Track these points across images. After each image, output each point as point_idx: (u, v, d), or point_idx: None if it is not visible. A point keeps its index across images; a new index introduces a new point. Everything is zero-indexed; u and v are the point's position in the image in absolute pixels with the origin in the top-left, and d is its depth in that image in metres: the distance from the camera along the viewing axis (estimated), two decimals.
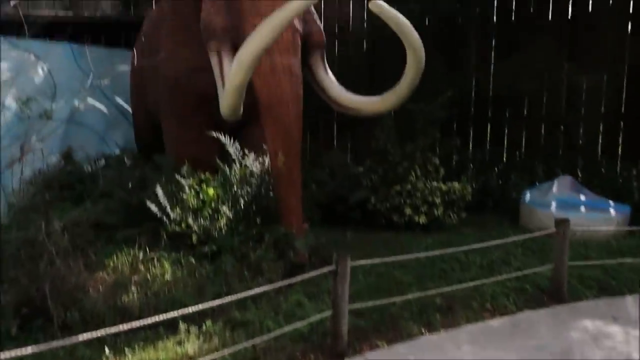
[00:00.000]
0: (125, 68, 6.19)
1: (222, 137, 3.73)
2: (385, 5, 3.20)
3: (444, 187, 4.62)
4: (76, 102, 5.91)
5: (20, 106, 4.88)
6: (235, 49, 3.62)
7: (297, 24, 3.71)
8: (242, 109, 3.28)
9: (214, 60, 3.61)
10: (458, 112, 5.68)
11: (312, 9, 4.00)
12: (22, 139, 5.15)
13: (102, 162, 5.53)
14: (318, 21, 4.02)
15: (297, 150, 3.69)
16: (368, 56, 6.18)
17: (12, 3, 5.92)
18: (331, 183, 4.93)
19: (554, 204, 4.58)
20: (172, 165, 3.99)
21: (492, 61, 5.82)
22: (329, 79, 3.94)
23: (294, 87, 3.62)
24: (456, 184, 4.70)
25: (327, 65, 4.03)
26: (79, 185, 5.01)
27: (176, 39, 4.33)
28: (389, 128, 4.70)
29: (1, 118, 5.05)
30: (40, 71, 5.69)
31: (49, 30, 6.37)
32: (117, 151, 6.00)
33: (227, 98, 3.08)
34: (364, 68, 6.19)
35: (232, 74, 2.98)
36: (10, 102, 5.14)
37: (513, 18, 5.90)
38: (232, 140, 3.79)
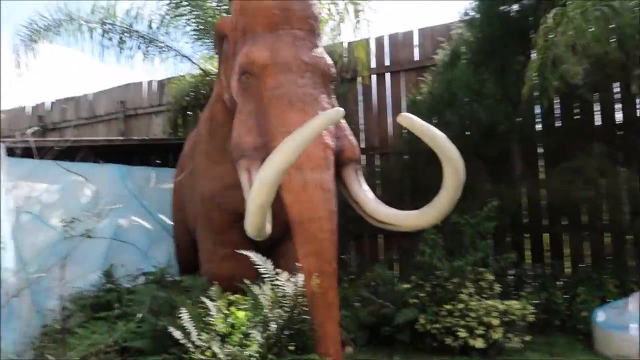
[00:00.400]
0: (169, 186, 6.36)
1: (253, 255, 3.55)
2: (415, 117, 3.08)
3: (500, 306, 4.14)
4: (120, 220, 6.05)
5: (63, 226, 4.98)
6: None
7: (329, 140, 3.65)
8: (268, 227, 3.11)
9: (243, 179, 3.55)
10: (510, 222, 5.30)
11: (344, 124, 3.97)
12: (64, 258, 5.23)
13: (141, 280, 5.46)
14: (351, 136, 3.96)
15: (332, 269, 3.43)
16: (409, 169, 6.03)
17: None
18: (376, 301, 4.56)
19: (633, 326, 3.98)
20: (202, 286, 3.81)
21: (540, 169, 5.55)
22: (364, 194, 3.77)
23: (326, 203, 3.46)
24: (515, 303, 4.22)
25: (362, 180, 3.88)
26: (116, 305, 4.91)
27: (211, 158, 4.41)
28: (435, 242, 4.40)
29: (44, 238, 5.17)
30: (87, 192, 5.89)
31: (102, 154, 6.77)
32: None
33: (250, 217, 2.95)
34: (406, 181, 6.04)
35: (253, 192, 2.87)
36: (55, 222, 5.24)
37: (558, 124, 5.72)
38: (267, 258, 3.62)
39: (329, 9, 6.83)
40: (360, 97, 7.40)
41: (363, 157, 7.02)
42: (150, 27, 6.94)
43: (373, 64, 7.41)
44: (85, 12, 6.68)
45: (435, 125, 5.14)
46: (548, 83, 4.01)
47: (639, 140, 5.13)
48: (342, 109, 2.95)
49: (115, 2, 6.76)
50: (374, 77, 7.40)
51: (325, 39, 7.34)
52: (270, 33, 3.85)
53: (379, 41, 7.43)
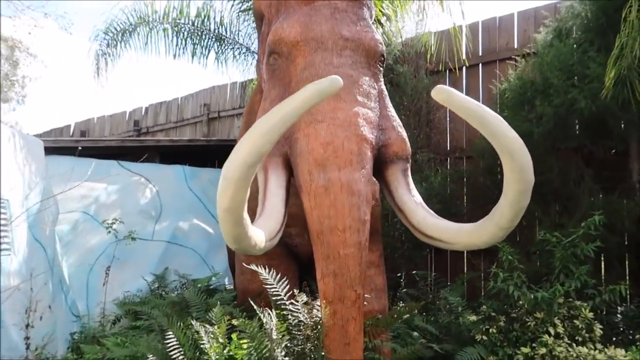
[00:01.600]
0: None
1: (263, 271, 2.96)
2: (454, 91, 2.25)
3: (600, 356, 3.09)
4: (180, 223, 5.83)
5: (106, 228, 4.82)
6: (286, 164, 2.97)
7: (367, 132, 2.94)
8: (256, 238, 2.44)
9: (260, 179, 2.97)
10: (621, 243, 4.08)
11: (392, 113, 3.22)
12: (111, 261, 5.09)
13: (190, 287, 5.16)
14: (400, 128, 3.20)
15: (356, 295, 2.71)
16: (498, 174, 5.02)
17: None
18: (433, 333, 3.73)
19: None
20: (205, 304, 3.30)
21: None
22: (412, 201, 3.00)
23: (354, 210, 2.75)
24: (622, 352, 3.13)
25: (410, 182, 3.12)
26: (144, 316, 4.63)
27: None
28: (512, 265, 3.45)
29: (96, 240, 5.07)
30: (148, 193, 5.75)
31: (170, 156, 6.67)
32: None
33: (221, 225, 2.33)
34: (495, 189, 5.04)
35: (218, 193, 2.25)
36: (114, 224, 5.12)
37: None
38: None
39: None
40: None
41: (448, 160, 6.14)
42: (221, 24, 6.69)
43: (464, 54, 6.48)
44: (158, 14, 6.61)
45: (524, 120, 4.25)
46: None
47: None
48: (339, 78, 2.22)
49: (188, 2, 6.60)
50: (464, 69, 6.48)
51: (408, 26, 6.61)
52: (306, 6, 3.24)
53: (473, 28, 6.48)
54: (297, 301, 2.82)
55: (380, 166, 3.13)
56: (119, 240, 4.95)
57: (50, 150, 5.29)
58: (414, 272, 5.21)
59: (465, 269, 5.48)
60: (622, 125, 4.08)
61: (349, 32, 3.16)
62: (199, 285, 5.06)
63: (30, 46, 13.15)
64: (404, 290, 4.95)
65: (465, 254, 5.60)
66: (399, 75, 6.22)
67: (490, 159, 4.71)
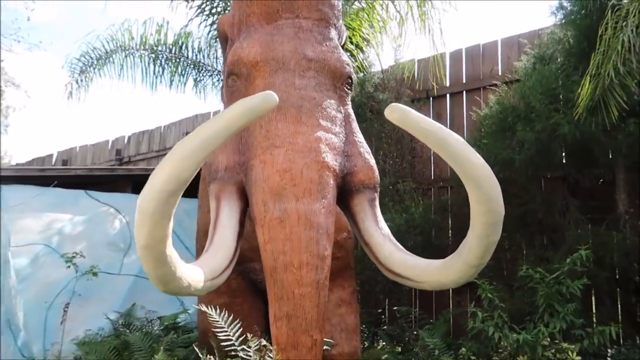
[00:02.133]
0: None
1: (213, 312, 2.68)
2: (410, 110, 2.02)
3: None
4: None
5: (66, 261, 4.53)
6: (241, 193, 2.72)
7: (329, 158, 2.70)
8: (188, 278, 2.16)
9: (212, 207, 2.71)
10: (610, 279, 3.79)
11: (360, 138, 3.00)
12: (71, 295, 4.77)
13: (156, 324, 4.84)
14: (367, 154, 2.96)
15: (312, 342, 2.41)
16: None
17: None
18: None
19: None
20: (148, 347, 2.99)
21: None
22: (378, 233, 2.75)
23: (312, 245, 2.49)
24: None
25: (378, 214, 2.87)
26: (124, 353, 4.31)
27: (203, 186, 3.67)
28: (493, 304, 3.17)
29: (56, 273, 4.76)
30: (117, 224, 5.48)
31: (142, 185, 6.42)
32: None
33: (143, 263, 2.06)
34: None
35: (134, 228, 1.99)
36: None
37: None
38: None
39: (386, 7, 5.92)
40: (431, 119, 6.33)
41: (432, 190, 5.91)
42: (199, 50, 6.55)
43: (448, 82, 6.37)
44: (135, 40, 6.46)
45: (505, 147, 4.03)
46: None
47: None
48: (273, 94, 1.99)
49: (165, 28, 6.47)
50: (448, 97, 6.34)
51: (389, 53, 6.49)
52: (268, 25, 3.04)
53: (456, 55, 6.37)
54: (250, 347, 2.53)
55: (346, 196, 2.89)
56: (81, 275, 4.65)
57: (12, 180, 5.04)
58: (395, 308, 4.91)
59: (451, 304, 5.18)
60: (609, 153, 3.86)
61: (313, 53, 2.95)
62: (165, 323, 4.75)
63: (15, 76, 13.14)
64: (384, 327, 4.63)
65: (450, 289, 5.31)
66: (379, 103, 6.05)
67: None
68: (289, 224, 2.50)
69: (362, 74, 6.54)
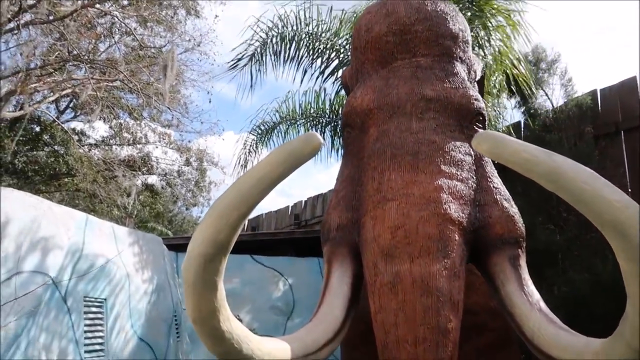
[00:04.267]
0: None
1: None
2: (504, 136, 1.54)
3: None
4: None
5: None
6: (354, 255, 2.44)
7: (452, 208, 2.28)
8: (255, 354, 1.82)
9: (325, 271, 2.47)
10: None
11: (497, 184, 2.51)
12: None
13: None
14: (506, 202, 2.45)
15: None
16: None
17: None
18: None
19: None
20: None
21: None
22: (524, 301, 2.18)
23: (430, 316, 2.07)
24: None
25: (524, 276, 2.30)
26: None
27: None
28: None
29: None
30: (281, 287, 5.59)
31: (304, 248, 6.51)
32: None
33: (202, 340, 1.81)
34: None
35: (185, 303, 1.75)
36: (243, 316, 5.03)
37: None
38: None
39: None
40: (624, 157, 5.28)
41: None
42: None
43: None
44: (296, 112, 6.85)
45: None
46: None
47: None
48: (316, 135, 1.67)
49: (322, 96, 6.75)
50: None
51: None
52: (383, 69, 2.81)
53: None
54: None
55: (481, 254, 2.39)
56: None
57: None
58: None
59: None
60: None
61: (433, 92, 2.61)
62: None
63: (214, 157, 15.17)
64: None
65: None
66: (549, 144, 5.24)
67: None
68: (402, 290, 2.13)
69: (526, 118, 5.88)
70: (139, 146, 14.61)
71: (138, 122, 14.40)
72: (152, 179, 15.65)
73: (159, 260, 4.71)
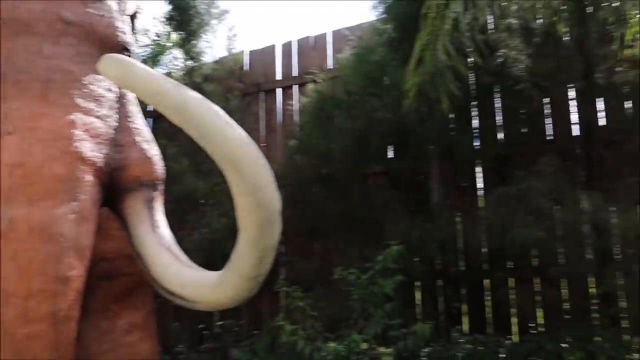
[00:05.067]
0: None
1: None
2: (131, 62, 1.55)
3: None
4: None
5: None
6: None
7: (88, 147, 2.07)
8: None
9: None
10: (426, 272, 3.69)
11: (139, 123, 2.41)
12: None
13: None
14: (146, 143, 2.39)
15: None
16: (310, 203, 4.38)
17: None
18: None
19: None
20: None
21: (477, 195, 4.04)
22: (154, 242, 2.19)
23: (48, 265, 1.86)
24: None
25: (158, 218, 2.31)
26: None
27: None
28: (304, 311, 2.82)
29: None
30: None
31: None
32: None
33: None
34: (307, 220, 4.36)
35: None
36: None
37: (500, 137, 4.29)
38: None
39: None
40: (262, 114, 6.00)
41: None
42: None
43: (279, 75, 6.09)
44: None
45: (323, 135, 3.76)
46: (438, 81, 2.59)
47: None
48: None
49: None
50: (279, 91, 6.04)
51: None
52: None
53: (287, 47, 6.10)
54: None
55: (117, 197, 2.28)
56: None
57: None
58: (220, 322, 4.40)
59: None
60: (422, 141, 3.78)
61: (74, 15, 2.29)
62: None
63: None
64: (203, 347, 4.10)
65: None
66: (206, 95, 5.50)
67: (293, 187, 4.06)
68: (16, 238, 1.84)
69: (190, 62, 6.01)
70: None
71: None
72: None
73: None
